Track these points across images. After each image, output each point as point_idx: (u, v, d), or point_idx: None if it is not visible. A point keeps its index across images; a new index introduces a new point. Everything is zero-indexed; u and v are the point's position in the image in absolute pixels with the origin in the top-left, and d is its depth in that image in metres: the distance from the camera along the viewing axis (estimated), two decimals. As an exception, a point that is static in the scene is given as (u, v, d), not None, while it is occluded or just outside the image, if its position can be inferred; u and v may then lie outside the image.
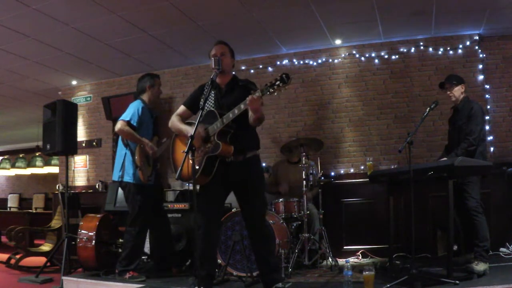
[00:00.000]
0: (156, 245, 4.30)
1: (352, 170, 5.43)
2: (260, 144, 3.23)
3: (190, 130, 2.86)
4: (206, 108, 3.00)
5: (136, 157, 3.92)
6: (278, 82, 2.64)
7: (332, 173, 5.42)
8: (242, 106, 2.81)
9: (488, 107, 5.13)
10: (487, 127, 4.88)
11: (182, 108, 3.23)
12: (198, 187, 3.04)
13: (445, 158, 3.63)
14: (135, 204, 3.94)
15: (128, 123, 3.91)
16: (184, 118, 3.19)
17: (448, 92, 3.88)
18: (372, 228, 5.04)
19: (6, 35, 4.89)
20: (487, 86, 5.17)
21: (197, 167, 2.91)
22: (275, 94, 2.68)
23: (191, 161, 2.60)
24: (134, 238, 3.91)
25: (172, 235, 4.43)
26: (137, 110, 3.98)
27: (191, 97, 3.24)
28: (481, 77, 5.14)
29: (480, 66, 5.17)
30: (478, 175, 3.63)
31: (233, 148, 2.94)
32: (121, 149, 4.08)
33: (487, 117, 4.97)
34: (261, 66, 5.91)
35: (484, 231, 3.52)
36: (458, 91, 3.84)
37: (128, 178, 3.97)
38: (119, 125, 3.92)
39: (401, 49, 5.41)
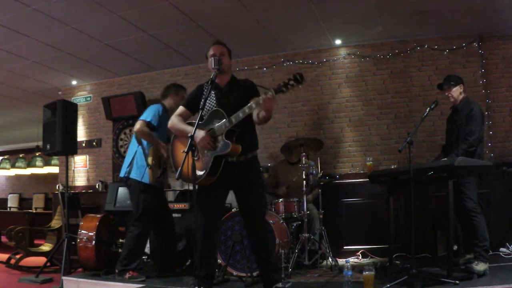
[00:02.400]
0: (159, 246, 4.30)
1: (352, 170, 5.43)
2: (259, 144, 3.23)
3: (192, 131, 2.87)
4: (207, 108, 3.01)
5: (149, 157, 3.92)
6: (292, 82, 2.63)
7: (332, 173, 5.42)
8: (253, 105, 2.80)
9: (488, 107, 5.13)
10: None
11: (181, 108, 3.20)
12: (197, 186, 3.04)
13: (445, 159, 3.62)
14: (139, 203, 3.94)
15: (149, 123, 3.91)
16: (184, 119, 3.18)
17: (447, 93, 3.87)
18: (372, 228, 5.03)
19: (6, 35, 4.89)
20: (487, 86, 5.16)
21: (203, 169, 2.91)
22: (288, 94, 2.68)
23: (195, 162, 2.61)
24: (135, 238, 3.91)
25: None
26: (158, 111, 3.99)
27: (190, 98, 3.24)
28: (481, 77, 5.14)
29: (480, 66, 5.17)
30: (477, 176, 3.63)
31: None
32: (133, 147, 4.09)
33: (486, 115, 4.99)
34: (261, 66, 5.91)
35: (483, 231, 3.52)
36: (456, 92, 3.83)
37: (134, 175, 3.96)
38: (138, 125, 3.91)
39: (401, 49, 5.41)
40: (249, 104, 2.82)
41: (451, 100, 3.90)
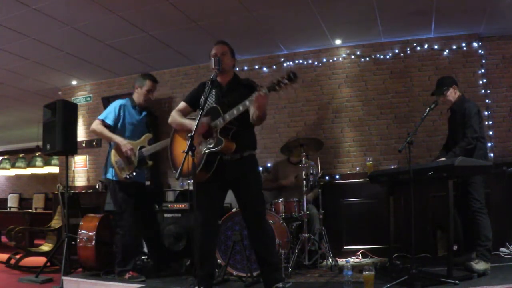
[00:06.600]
0: (150, 246, 4.31)
1: (352, 170, 5.43)
2: (257, 145, 3.23)
3: (193, 124, 2.87)
4: (207, 106, 3.01)
5: (112, 156, 3.96)
6: (285, 80, 2.67)
7: (332, 173, 5.42)
8: (247, 102, 2.83)
9: (488, 107, 5.13)
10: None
11: (182, 104, 3.24)
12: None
13: (443, 158, 3.62)
14: (117, 201, 3.98)
15: (103, 121, 3.97)
16: (184, 114, 3.21)
17: (442, 99, 3.89)
18: (372, 228, 5.03)
19: (6, 35, 4.89)
20: (487, 86, 5.16)
21: (197, 165, 2.91)
22: (281, 92, 2.73)
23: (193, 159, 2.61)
24: (123, 238, 3.92)
25: (172, 235, 4.46)
26: (114, 109, 4.03)
27: (191, 94, 3.27)
28: (481, 77, 5.14)
29: (480, 66, 5.17)
30: (479, 175, 3.62)
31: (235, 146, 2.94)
32: (108, 148, 4.13)
33: (486, 115, 4.98)
34: (261, 66, 5.91)
35: (487, 231, 3.53)
36: (451, 94, 3.86)
37: (109, 175, 4.02)
38: (93, 124, 4.01)
39: (401, 49, 5.41)
40: (243, 102, 2.84)
41: (449, 104, 3.92)
